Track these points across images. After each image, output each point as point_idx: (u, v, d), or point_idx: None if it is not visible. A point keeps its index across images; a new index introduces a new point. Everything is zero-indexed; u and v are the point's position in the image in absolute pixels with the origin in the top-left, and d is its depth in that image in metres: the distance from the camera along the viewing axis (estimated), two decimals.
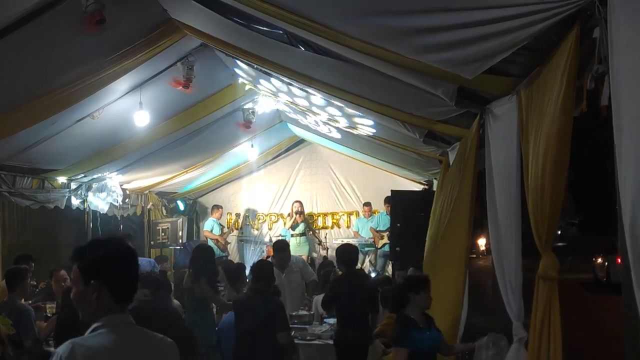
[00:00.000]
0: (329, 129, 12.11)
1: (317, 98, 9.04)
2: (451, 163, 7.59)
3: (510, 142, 5.02)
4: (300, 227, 15.98)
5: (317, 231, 17.01)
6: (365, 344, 7.64)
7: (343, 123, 10.27)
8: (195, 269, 8.49)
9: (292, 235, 15.85)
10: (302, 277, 9.67)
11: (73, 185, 11.75)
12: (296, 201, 16.46)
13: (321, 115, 10.45)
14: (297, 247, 15.42)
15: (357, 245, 12.09)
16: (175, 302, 8.43)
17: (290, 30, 6.10)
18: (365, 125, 9.69)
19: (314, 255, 16.50)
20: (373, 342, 7.69)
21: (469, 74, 4.53)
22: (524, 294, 5.17)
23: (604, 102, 3.15)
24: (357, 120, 9.47)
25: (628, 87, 2.87)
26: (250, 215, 17.82)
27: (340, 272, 8.96)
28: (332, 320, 8.86)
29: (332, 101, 8.62)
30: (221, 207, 17.06)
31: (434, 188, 12.33)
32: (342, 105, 8.50)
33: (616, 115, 2.95)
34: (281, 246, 9.79)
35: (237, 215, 17.76)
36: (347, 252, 8.42)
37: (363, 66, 6.04)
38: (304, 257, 14.43)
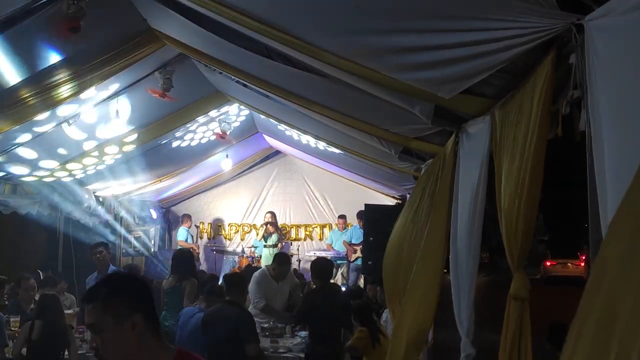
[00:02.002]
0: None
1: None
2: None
3: (478, 161, 5.07)
4: (273, 238, 15.96)
5: (287, 243, 17.01)
6: (335, 358, 7.67)
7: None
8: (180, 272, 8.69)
9: (264, 246, 15.85)
10: (289, 287, 9.78)
11: (46, 191, 11.65)
12: (268, 212, 16.48)
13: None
14: (270, 259, 15.37)
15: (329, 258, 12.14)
16: None
17: (270, 45, 6.13)
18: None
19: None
20: (344, 356, 7.73)
21: (446, 94, 4.59)
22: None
23: (582, 127, 3.21)
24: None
25: (606, 113, 2.93)
26: (223, 225, 17.81)
27: (314, 286, 8.99)
28: (304, 333, 8.87)
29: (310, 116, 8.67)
30: (190, 217, 17.09)
31: None
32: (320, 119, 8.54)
33: (595, 140, 3.00)
34: (283, 260, 9.88)
35: (210, 224, 17.78)
36: (322, 266, 8.44)
37: (341, 82, 6.07)
38: None
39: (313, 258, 16.30)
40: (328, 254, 15.19)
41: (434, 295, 6.39)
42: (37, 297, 8.72)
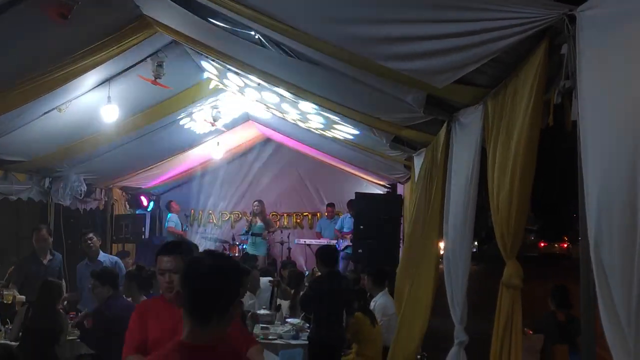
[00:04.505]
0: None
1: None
2: (419, 168, 7.69)
3: (472, 150, 5.12)
4: (259, 227, 15.98)
5: (272, 233, 16.99)
6: (339, 344, 7.81)
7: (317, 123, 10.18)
8: None
9: (251, 234, 15.87)
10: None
11: (37, 178, 11.64)
12: (256, 200, 16.46)
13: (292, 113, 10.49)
14: (253, 247, 15.47)
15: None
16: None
17: (263, 32, 6.14)
18: (346, 132, 9.73)
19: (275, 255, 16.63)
20: (346, 342, 7.90)
21: (439, 84, 4.63)
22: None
23: (574, 116, 3.25)
24: (336, 126, 9.47)
25: (593, 103, 2.98)
26: (213, 212, 17.84)
27: (318, 272, 9.10)
28: (295, 320, 8.93)
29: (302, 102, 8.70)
30: (178, 204, 17.12)
31: (398, 191, 12.47)
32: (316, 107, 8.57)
33: (583, 130, 3.05)
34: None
35: (201, 212, 17.81)
36: (328, 253, 8.52)
37: (334, 70, 6.10)
38: (261, 257, 14.53)
39: (303, 246, 16.45)
40: (317, 242, 15.21)
41: (431, 287, 6.47)
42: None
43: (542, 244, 48.56)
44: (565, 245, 50.63)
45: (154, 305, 4.50)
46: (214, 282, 2.76)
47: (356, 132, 9.21)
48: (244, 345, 4.52)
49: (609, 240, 2.79)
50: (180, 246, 4.50)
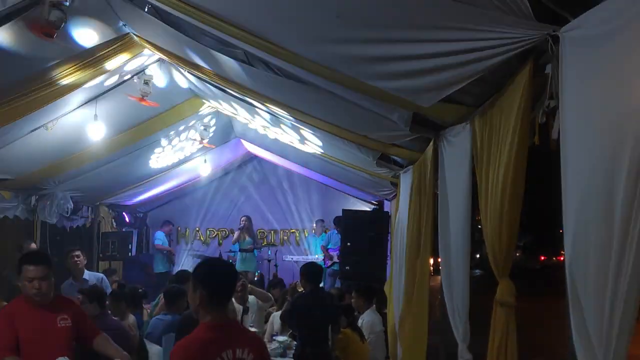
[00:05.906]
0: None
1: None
2: (406, 186, 7.72)
3: (463, 169, 5.14)
4: (248, 242, 15.98)
5: (262, 249, 16.94)
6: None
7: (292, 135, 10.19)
8: None
9: (240, 250, 15.84)
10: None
11: (23, 195, 11.57)
12: (244, 216, 16.45)
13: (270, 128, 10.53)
14: (243, 263, 15.42)
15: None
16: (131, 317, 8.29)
17: (250, 51, 6.15)
18: (314, 143, 9.76)
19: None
20: (332, 357, 7.87)
21: (425, 103, 4.66)
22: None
23: (554, 135, 3.28)
24: (305, 134, 9.48)
25: (574, 123, 3.01)
26: (200, 229, 17.79)
27: (301, 289, 9.06)
28: (282, 338, 8.90)
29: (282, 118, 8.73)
30: (171, 223, 17.06)
31: (385, 208, 12.48)
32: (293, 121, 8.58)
33: (563, 149, 3.09)
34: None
35: (187, 229, 17.77)
36: (313, 270, 8.49)
37: (321, 89, 6.12)
38: (251, 273, 14.51)
39: (291, 263, 16.43)
40: (305, 259, 15.19)
41: (425, 304, 6.51)
42: None
43: (542, 258, 54.88)
44: (562, 259, 57.02)
45: (18, 307, 5.05)
46: (229, 278, 4.01)
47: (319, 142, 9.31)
48: (93, 333, 5.44)
49: (584, 257, 2.84)
50: (45, 257, 5.36)
